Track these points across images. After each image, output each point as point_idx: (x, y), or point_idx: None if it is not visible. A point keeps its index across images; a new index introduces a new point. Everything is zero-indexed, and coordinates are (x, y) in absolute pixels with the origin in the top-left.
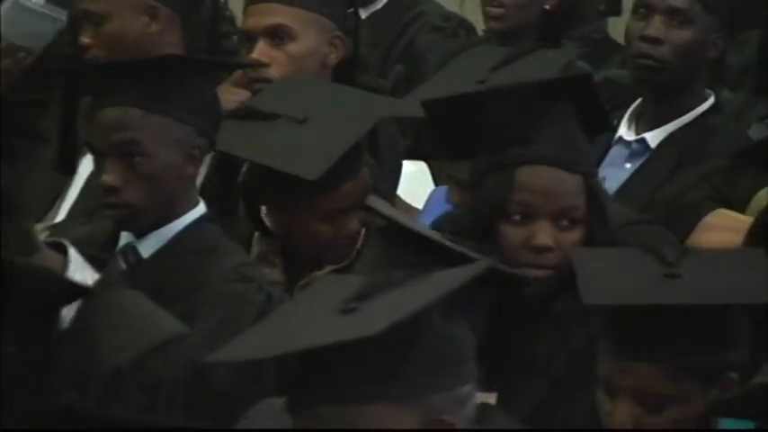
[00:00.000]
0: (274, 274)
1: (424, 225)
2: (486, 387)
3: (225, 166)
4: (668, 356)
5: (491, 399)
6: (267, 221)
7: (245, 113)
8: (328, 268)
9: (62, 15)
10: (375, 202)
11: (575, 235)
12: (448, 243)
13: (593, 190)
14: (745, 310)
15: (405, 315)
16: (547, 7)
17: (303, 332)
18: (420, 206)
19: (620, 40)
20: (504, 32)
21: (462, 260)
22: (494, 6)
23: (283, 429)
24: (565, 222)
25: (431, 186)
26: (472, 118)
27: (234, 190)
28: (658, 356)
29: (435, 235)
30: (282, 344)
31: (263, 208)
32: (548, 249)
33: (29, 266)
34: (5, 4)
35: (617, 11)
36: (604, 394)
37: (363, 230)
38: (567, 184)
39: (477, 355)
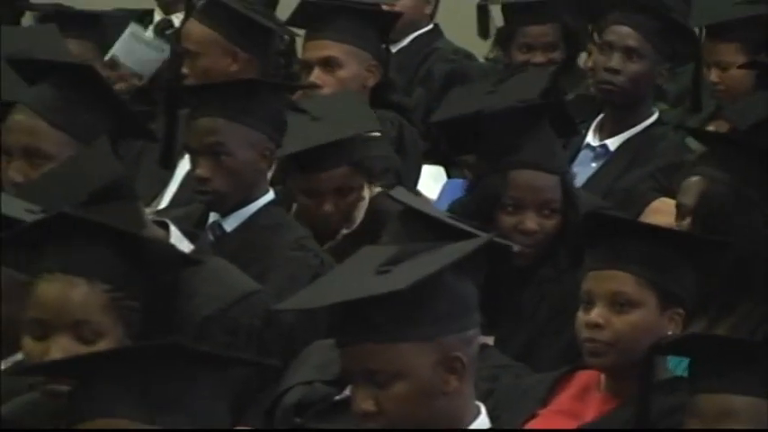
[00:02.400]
0: None
1: (437, 209)
2: (486, 331)
3: None
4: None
5: (490, 340)
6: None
7: (293, 106)
8: (339, 237)
9: (167, 48)
10: (398, 192)
11: (554, 221)
12: (456, 223)
13: (567, 187)
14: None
15: (426, 274)
16: None
17: (349, 287)
18: (434, 197)
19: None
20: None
21: (467, 236)
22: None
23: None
24: (546, 211)
25: (443, 180)
26: (476, 126)
27: None
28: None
29: (446, 217)
30: (333, 296)
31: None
32: (533, 232)
33: (149, 238)
34: (123, 35)
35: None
36: (582, 312)
37: (364, 208)
38: (548, 182)
39: (479, 306)
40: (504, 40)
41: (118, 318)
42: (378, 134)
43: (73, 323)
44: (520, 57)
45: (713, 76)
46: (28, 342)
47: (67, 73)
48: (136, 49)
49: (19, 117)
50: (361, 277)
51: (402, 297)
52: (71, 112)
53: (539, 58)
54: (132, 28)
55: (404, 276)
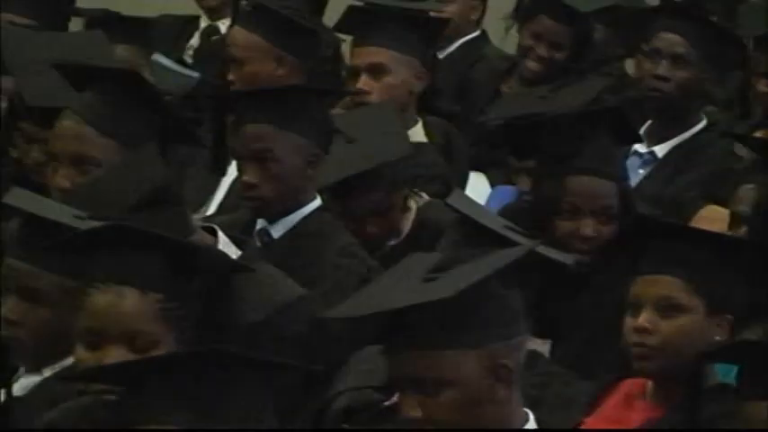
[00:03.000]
0: None
1: (491, 215)
2: (541, 336)
3: None
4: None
5: (546, 346)
6: None
7: None
8: (387, 247)
9: (194, 75)
10: (454, 199)
11: (611, 227)
12: (503, 231)
13: (624, 193)
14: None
15: (472, 281)
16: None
17: (396, 294)
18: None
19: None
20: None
21: (513, 244)
22: (534, 64)
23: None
24: (603, 217)
25: (488, 189)
26: (534, 132)
27: None
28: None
29: (497, 225)
30: (381, 303)
31: None
32: (591, 238)
33: (201, 246)
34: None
35: (632, 54)
36: (630, 316)
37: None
38: (606, 188)
39: (533, 312)
40: (521, 18)
41: (170, 326)
42: (424, 141)
43: (126, 334)
44: (526, 41)
45: (761, 85)
46: (80, 351)
47: (115, 79)
48: (162, 77)
49: (66, 123)
50: (408, 285)
51: (449, 304)
52: (118, 118)
53: (541, 50)
54: (157, 57)
55: (450, 284)
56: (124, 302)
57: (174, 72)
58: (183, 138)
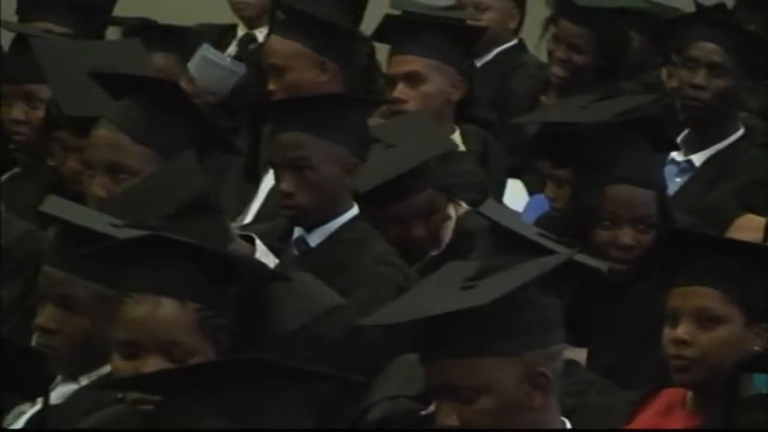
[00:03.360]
0: None
1: (524, 224)
2: (578, 345)
3: None
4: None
5: (582, 354)
6: None
7: None
8: (429, 257)
9: (241, 69)
10: (486, 207)
11: (649, 236)
12: (539, 240)
13: (663, 201)
14: None
15: (509, 289)
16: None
17: (433, 302)
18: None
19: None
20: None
21: (550, 252)
22: (558, 68)
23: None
24: (642, 226)
25: (525, 196)
26: (571, 140)
27: None
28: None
29: (534, 233)
30: (417, 311)
31: None
32: (630, 247)
33: (240, 256)
34: (196, 56)
35: (670, 61)
36: (668, 328)
37: (452, 227)
38: (644, 197)
39: (569, 320)
40: (547, 24)
41: (208, 336)
42: (461, 149)
43: (164, 344)
44: (548, 44)
45: None
46: (118, 361)
47: (150, 88)
48: (209, 71)
49: (102, 132)
50: (445, 292)
51: (485, 312)
52: (154, 126)
53: (560, 53)
54: (204, 50)
55: (487, 291)
56: (161, 312)
57: (222, 68)
58: (220, 146)
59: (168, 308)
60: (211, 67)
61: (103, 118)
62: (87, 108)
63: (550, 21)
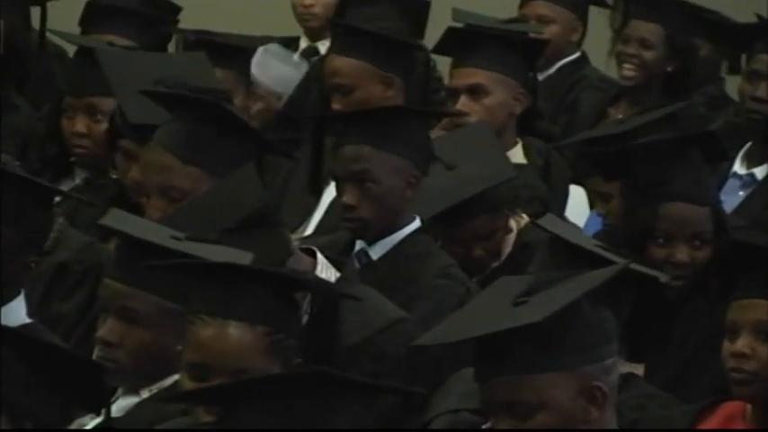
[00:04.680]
0: None
1: (583, 236)
2: (636, 360)
3: None
4: None
5: (640, 369)
6: None
7: None
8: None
9: (303, 63)
10: (546, 220)
11: (705, 252)
12: (603, 251)
13: (719, 216)
14: None
15: (563, 305)
16: (669, 69)
17: (486, 320)
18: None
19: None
20: (633, 87)
21: (605, 263)
22: (627, 67)
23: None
24: (697, 242)
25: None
26: (622, 153)
27: None
28: None
29: (593, 245)
30: (471, 329)
31: None
32: (685, 264)
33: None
34: (258, 52)
35: (737, 70)
36: (728, 341)
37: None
38: (699, 214)
39: (627, 334)
40: (618, 31)
41: (277, 358)
42: (523, 162)
43: (234, 369)
44: (619, 46)
45: None
46: (186, 382)
47: (196, 107)
48: (271, 66)
49: (151, 155)
50: (498, 309)
51: (540, 328)
52: (201, 146)
53: (630, 49)
54: (267, 45)
55: (541, 307)
56: (231, 337)
57: (284, 60)
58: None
59: (238, 332)
60: (274, 62)
61: (153, 140)
62: (153, 116)
63: (622, 22)
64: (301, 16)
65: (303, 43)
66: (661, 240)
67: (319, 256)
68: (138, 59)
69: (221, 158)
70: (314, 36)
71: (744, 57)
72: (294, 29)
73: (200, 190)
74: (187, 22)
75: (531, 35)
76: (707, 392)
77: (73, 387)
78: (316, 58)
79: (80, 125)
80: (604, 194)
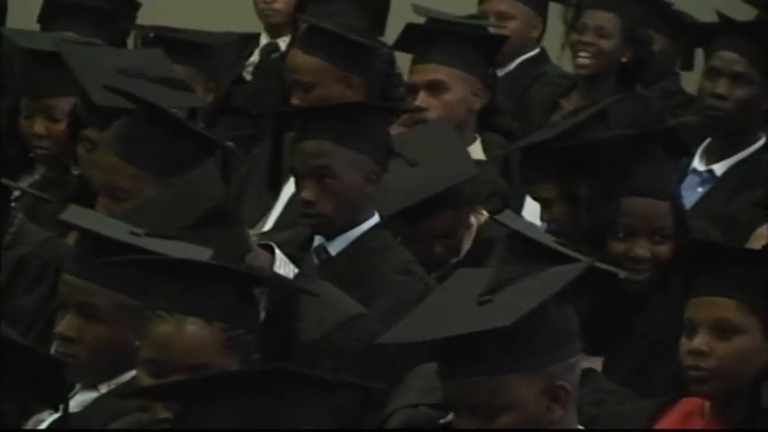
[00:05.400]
0: None
1: (542, 233)
2: (593, 353)
3: None
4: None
5: (598, 363)
6: None
7: None
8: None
9: None
10: (504, 216)
11: (665, 247)
12: (561, 248)
13: (679, 211)
14: None
15: (529, 308)
16: (623, 60)
17: (451, 320)
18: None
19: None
20: (586, 78)
21: (572, 261)
22: (582, 55)
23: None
24: (658, 238)
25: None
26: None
27: None
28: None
29: (551, 242)
30: (436, 330)
31: None
32: (645, 260)
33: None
34: None
35: (690, 66)
36: (685, 339)
37: (472, 235)
38: (660, 209)
39: (587, 329)
40: (571, 22)
41: (235, 354)
42: (482, 158)
43: (191, 365)
44: (574, 36)
45: None
46: (144, 378)
47: (142, 109)
48: None
49: (97, 154)
50: (462, 308)
51: (506, 331)
52: (144, 147)
53: (586, 38)
54: None
55: (507, 308)
56: (189, 333)
57: None
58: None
59: (196, 328)
60: None
61: (102, 140)
62: (117, 100)
63: (575, 14)
64: (263, 12)
65: (264, 39)
66: (621, 235)
67: (278, 251)
68: (101, 52)
69: (165, 159)
70: (274, 32)
71: (700, 53)
72: (254, 25)
73: (144, 190)
74: (146, 18)
75: (491, 31)
76: (666, 388)
77: (31, 382)
78: (276, 55)
79: (39, 127)
80: (546, 200)
